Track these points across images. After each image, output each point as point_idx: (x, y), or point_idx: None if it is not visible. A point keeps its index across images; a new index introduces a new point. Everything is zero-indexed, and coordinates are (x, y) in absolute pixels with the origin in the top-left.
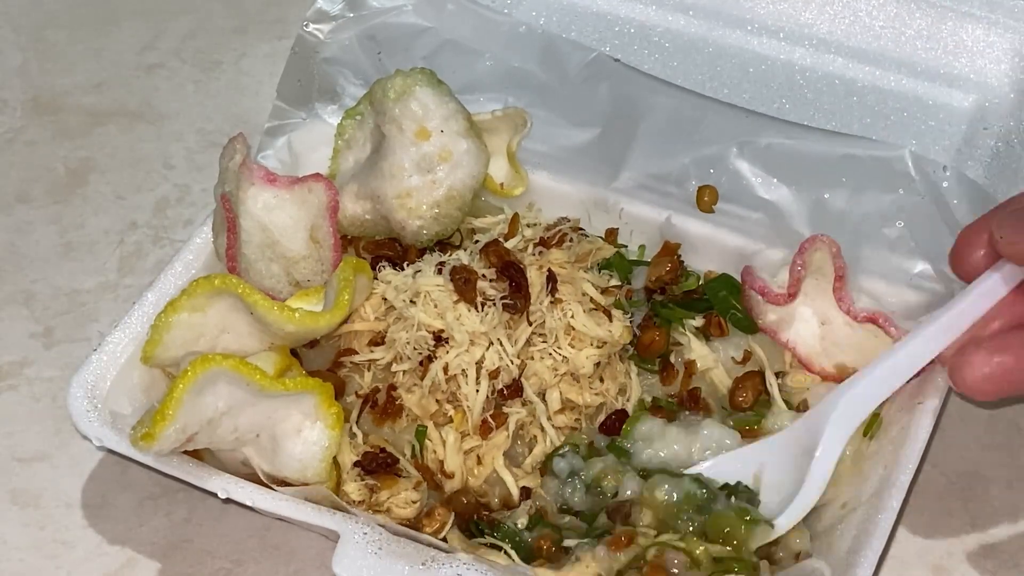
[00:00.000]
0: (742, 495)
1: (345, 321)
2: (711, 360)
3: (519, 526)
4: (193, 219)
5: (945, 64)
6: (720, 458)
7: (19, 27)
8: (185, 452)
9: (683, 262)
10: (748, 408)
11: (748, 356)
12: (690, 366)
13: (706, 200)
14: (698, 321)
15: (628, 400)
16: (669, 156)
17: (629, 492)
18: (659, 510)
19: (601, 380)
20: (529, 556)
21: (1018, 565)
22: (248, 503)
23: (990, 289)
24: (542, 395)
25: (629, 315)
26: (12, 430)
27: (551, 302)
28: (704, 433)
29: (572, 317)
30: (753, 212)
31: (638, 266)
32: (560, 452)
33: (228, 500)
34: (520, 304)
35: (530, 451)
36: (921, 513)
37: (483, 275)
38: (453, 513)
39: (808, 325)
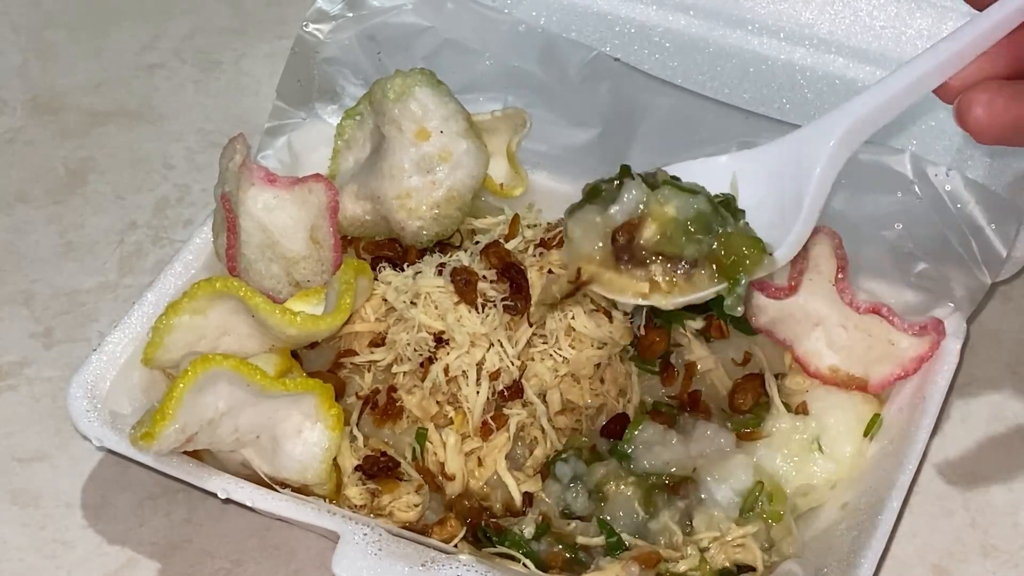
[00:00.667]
0: (735, 213)
1: (346, 322)
2: (711, 362)
3: (526, 535)
4: (193, 219)
5: None
6: (697, 162)
7: (19, 27)
8: (185, 452)
9: None
10: (747, 411)
11: (748, 358)
12: (690, 367)
13: None
14: (698, 323)
15: (629, 401)
16: (669, 156)
17: (634, 199)
18: (668, 225)
19: (602, 381)
20: (539, 566)
21: (1018, 565)
22: (248, 503)
23: (1005, 19)
24: (542, 396)
25: (629, 316)
26: (12, 430)
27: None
28: (702, 437)
29: (572, 318)
30: None
31: None
32: (562, 457)
33: (228, 500)
34: (520, 305)
35: (531, 453)
36: (921, 513)
37: (483, 276)
38: (465, 527)
39: (803, 325)
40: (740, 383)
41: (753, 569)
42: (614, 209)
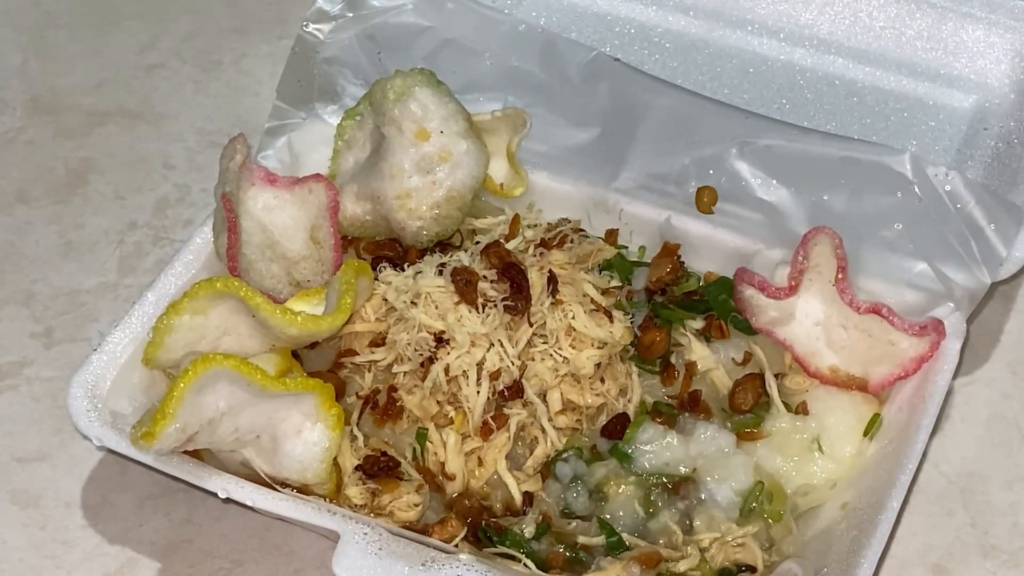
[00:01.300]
0: None
1: (346, 322)
2: (712, 361)
3: (527, 535)
4: (193, 219)
5: (945, 65)
6: None
7: (19, 27)
8: (185, 452)
9: (683, 263)
10: (748, 410)
11: (748, 358)
12: (691, 367)
13: (705, 201)
14: (699, 323)
15: (629, 401)
16: (669, 156)
17: None
18: None
19: (602, 381)
20: (540, 566)
21: (1018, 565)
22: (248, 503)
23: None
24: (543, 396)
25: (630, 316)
26: (12, 430)
27: (552, 303)
28: (702, 437)
29: (573, 318)
30: (752, 213)
31: (638, 267)
32: (563, 456)
33: (228, 500)
34: (521, 305)
35: (531, 453)
36: (921, 513)
37: (484, 276)
38: (465, 527)
39: (803, 325)
40: (740, 383)
41: (753, 569)
42: None
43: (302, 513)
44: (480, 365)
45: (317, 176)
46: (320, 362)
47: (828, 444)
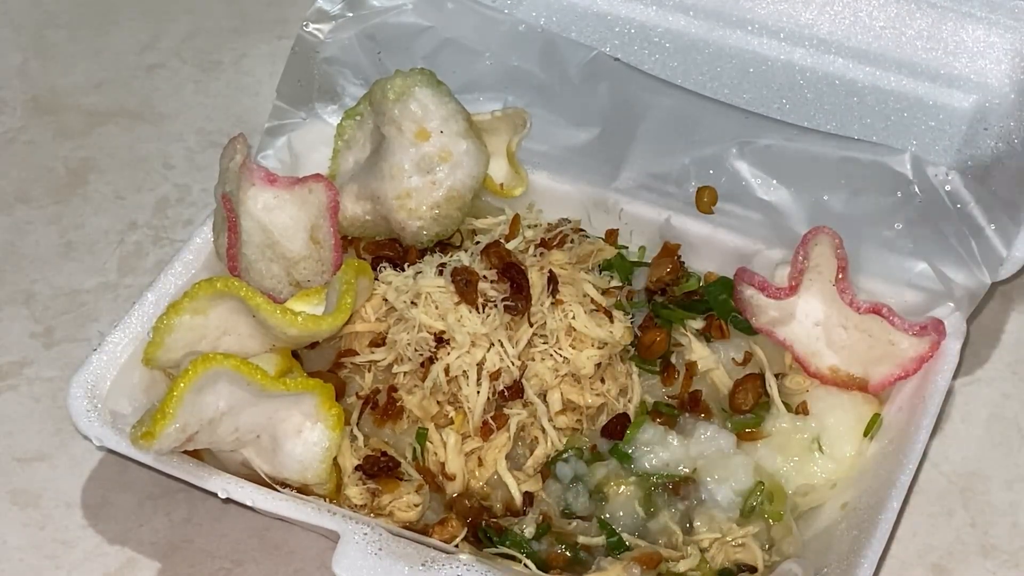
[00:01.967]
0: None
1: (346, 322)
2: (712, 361)
3: (527, 535)
4: (193, 219)
5: (945, 64)
6: None
7: (19, 27)
8: (185, 452)
9: (683, 263)
10: (748, 410)
11: (749, 358)
12: (691, 367)
13: (705, 201)
14: (699, 323)
15: (630, 401)
16: (669, 156)
17: None
18: None
19: (602, 381)
20: (540, 566)
21: (1018, 565)
22: (248, 503)
23: None
24: (543, 396)
25: (630, 316)
26: (12, 430)
27: (552, 303)
28: (702, 437)
29: (573, 318)
30: (752, 213)
31: (638, 267)
32: (563, 457)
33: (228, 500)
34: (521, 305)
35: (531, 453)
36: (921, 513)
37: (484, 276)
38: (465, 527)
39: (803, 325)
40: (740, 383)
41: (754, 569)
42: None
43: (302, 513)
44: (480, 365)
45: (317, 176)
46: (320, 362)
47: (828, 444)
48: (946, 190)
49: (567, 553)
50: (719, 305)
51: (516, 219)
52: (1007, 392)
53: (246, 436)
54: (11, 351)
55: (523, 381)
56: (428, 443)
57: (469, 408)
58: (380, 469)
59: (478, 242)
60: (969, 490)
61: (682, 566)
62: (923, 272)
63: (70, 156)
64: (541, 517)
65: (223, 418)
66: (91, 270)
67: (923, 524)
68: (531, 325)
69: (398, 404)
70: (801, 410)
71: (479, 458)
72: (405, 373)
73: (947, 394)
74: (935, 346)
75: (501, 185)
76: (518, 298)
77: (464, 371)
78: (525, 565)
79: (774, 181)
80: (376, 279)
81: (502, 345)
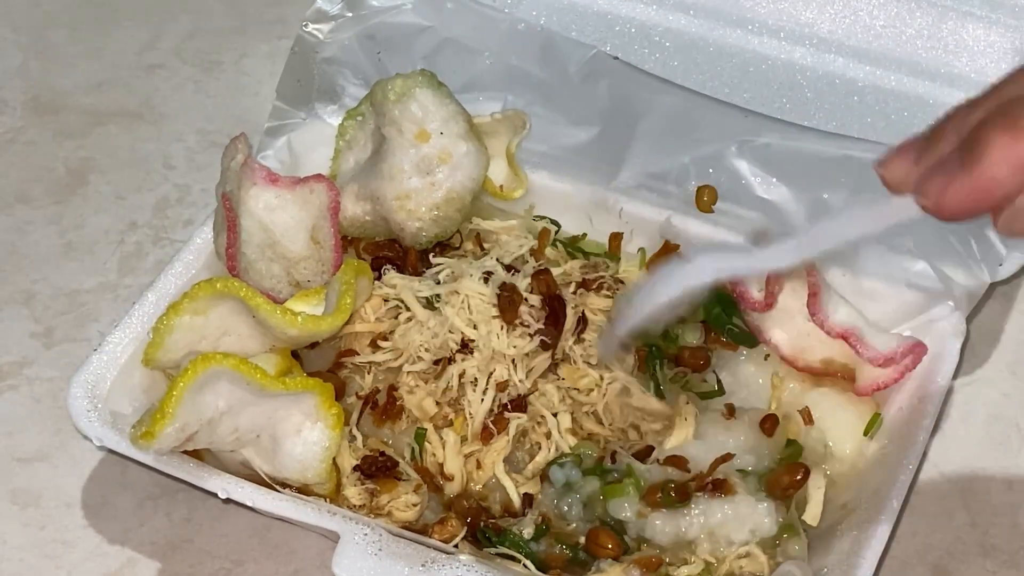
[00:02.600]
0: None
1: (346, 322)
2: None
3: (525, 535)
4: (193, 219)
5: (946, 63)
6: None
7: (19, 27)
8: (185, 452)
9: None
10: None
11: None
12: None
13: (705, 200)
14: (697, 334)
15: (643, 437)
16: (669, 155)
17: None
18: None
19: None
20: (540, 567)
21: (1018, 565)
22: (248, 503)
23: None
24: (554, 415)
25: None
26: (12, 430)
27: (575, 342)
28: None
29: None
30: (752, 212)
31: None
32: (559, 461)
33: (228, 500)
34: (553, 340)
35: (531, 458)
36: (921, 513)
37: (526, 299)
38: (465, 527)
39: (794, 322)
40: (781, 479)
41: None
42: None
43: (302, 513)
44: (489, 374)
45: (319, 176)
46: (320, 362)
47: (828, 444)
48: None
49: (567, 553)
50: (715, 319)
51: (544, 234)
52: (1007, 392)
53: (246, 436)
54: (11, 351)
55: (531, 399)
56: (427, 443)
57: (470, 413)
58: (378, 469)
59: (526, 262)
60: (969, 490)
61: (683, 570)
62: (923, 271)
63: (70, 156)
64: (540, 518)
65: (223, 418)
66: (91, 270)
67: (923, 524)
68: (552, 358)
69: (398, 404)
70: (806, 419)
71: (478, 461)
72: (410, 373)
73: (947, 394)
74: (915, 363)
75: (501, 187)
76: (553, 333)
77: (475, 378)
78: (524, 566)
79: (774, 180)
80: (378, 279)
81: (515, 368)
